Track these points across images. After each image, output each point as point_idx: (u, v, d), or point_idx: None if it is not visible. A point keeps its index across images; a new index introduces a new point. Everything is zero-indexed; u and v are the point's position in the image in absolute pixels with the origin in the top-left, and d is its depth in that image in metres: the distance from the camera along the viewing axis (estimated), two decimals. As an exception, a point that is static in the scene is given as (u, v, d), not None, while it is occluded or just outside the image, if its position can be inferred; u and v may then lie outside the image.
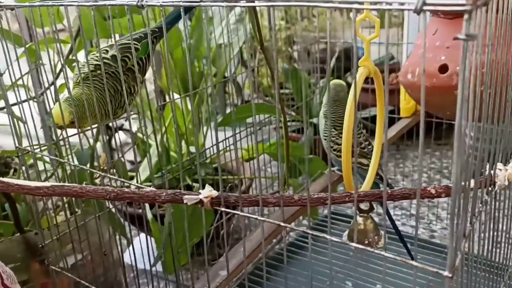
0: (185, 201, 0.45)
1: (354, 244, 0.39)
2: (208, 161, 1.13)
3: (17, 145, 0.61)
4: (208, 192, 0.45)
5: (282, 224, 0.43)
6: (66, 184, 0.41)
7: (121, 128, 1.36)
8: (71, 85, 0.60)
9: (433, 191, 0.46)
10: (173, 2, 0.41)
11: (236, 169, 1.19)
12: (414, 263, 0.36)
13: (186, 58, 0.90)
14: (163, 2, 0.41)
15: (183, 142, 1.12)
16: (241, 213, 0.45)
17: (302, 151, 1.18)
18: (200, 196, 0.45)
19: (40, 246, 0.66)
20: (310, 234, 0.41)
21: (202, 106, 1.16)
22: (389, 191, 0.46)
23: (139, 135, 1.14)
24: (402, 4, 0.32)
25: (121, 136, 1.44)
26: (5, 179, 0.39)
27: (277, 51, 1.68)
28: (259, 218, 0.44)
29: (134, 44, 0.62)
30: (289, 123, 1.62)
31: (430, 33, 0.73)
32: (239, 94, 1.75)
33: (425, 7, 0.30)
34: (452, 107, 0.77)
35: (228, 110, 1.66)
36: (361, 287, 0.98)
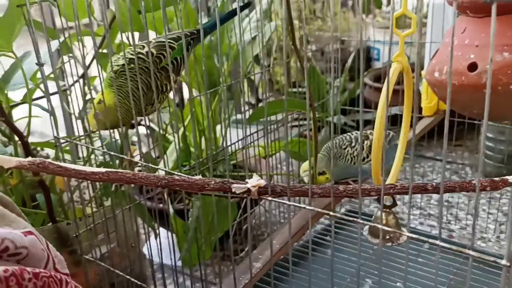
0: (233, 190, 0.45)
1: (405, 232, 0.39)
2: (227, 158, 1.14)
3: (55, 134, 0.62)
4: (256, 181, 0.45)
5: (331, 213, 0.43)
6: (120, 170, 0.41)
7: (139, 124, 1.37)
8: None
9: (476, 183, 0.47)
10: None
11: (255, 166, 1.19)
12: (470, 252, 0.36)
13: (208, 54, 0.90)
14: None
15: (203, 139, 1.12)
16: (288, 202, 0.46)
17: (318, 149, 1.19)
18: (248, 185, 0.45)
19: (74, 235, 0.66)
20: (360, 224, 0.42)
21: (220, 103, 1.17)
22: (434, 184, 0.47)
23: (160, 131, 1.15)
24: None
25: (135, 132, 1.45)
26: (62, 164, 0.39)
27: (293, 50, 1.68)
28: (308, 207, 0.44)
29: (171, 43, 0.63)
30: (305, 121, 1.62)
31: (458, 32, 0.73)
32: (253, 92, 1.75)
33: (496, -3, 0.31)
34: (480, 106, 0.77)
35: (243, 109, 1.67)
36: (382, 284, 0.98)
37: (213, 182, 0.45)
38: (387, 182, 0.74)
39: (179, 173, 0.51)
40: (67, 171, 0.40)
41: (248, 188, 0.45)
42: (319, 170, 0.75)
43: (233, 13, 0.61)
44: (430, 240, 0.39)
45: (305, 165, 0.77)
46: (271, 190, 0.46)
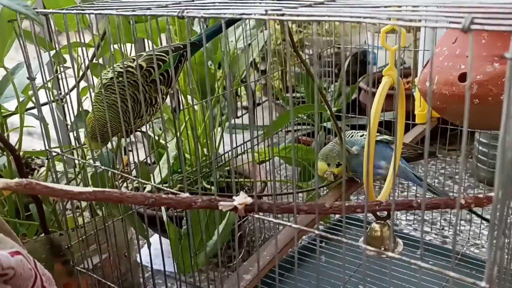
0: (220, 208, 0.46)
1: (391, 254, 0.39)
2: (222, 164, 1.14)
3: (46, 147, 0.62)
4: (242, 199, 0.46)
5: (316, 231, 0.44)
6: (107, 189, 0.42)
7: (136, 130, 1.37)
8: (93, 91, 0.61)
9: (462, 201, 0.47)
10: (214, 14, 0.42)
11: (249, 172, 1.20)
12: (451, 273, 0.37)
13: (203, 61, 0.91)
14: (204, 13, 0.42)
15: (200, 146, 1.13)
16: (274, 220, 0.46)
17: (313, 155, 1.19)
18: (235, 203, 0.46)
19: (66, 247, 0.67)
20: (345, 243, 0.42)
21: (215, 109, 1.17)
22: (419, 200, 0.47)
23: (155, 137, 1.15)
24: (449, 22, 0.33)
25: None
26: (50, 184, 0.40)
27: (289, 55, 1.69)
28: (293, 225, 0.45)
29: (162, 56, 0.63)
30: (300, 127, 1.63)
31: (449, 42, 0.74)
32: (250, 97, 1.75)
33: (472, 26, 0.31)
34: (471, 116, 0.78)
35: (239, 113, 1.67)
36: (375, 291, 0.99)
37: (200, 200, 0.46)
38: (381, 195, 0.75)
39: (167, 189, 0.52)
40: (54, 191, 0.40)
41: (235, 206, 0.46)
42: (335, 163, 0.82)
43: (219, 29, 0.62)
44: (412, 261, 0.39)
45: (322, 165, 0.82)
46: (257, 207, 0.46)
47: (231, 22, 0.65)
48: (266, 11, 0.39)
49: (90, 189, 0.41)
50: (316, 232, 0.44)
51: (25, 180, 0.39)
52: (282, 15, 0.39)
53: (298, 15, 0.38)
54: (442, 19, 0.34)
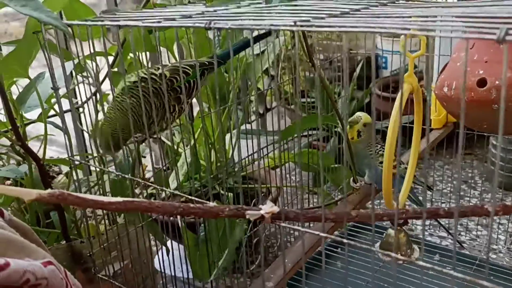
0: (247, 216, 0.46)
1: (419, 262, 0.39)
2: (237, 170, 1.14)
3: (69, 155, 0.63)
4: (269, 208, 0.46)
5: (345, 240, 0.44)
6: (136, 199, 0.42)
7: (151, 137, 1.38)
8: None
9: (490, 209, 0.47)
10: (242, 25, 0.42)
11: (265, 178, 1.20)
12: (484, 283, 0.37)
13: (218, 69, 0.91)
14: (231, 24, 0.42)
15: (214, 153, 1.13)
16: (301, 229, 0.47)
17: (328, 160, 1.19)
18: (262, 212, 0.46)
19: (88, 254, 0.67)
20: (374, 250, 0.42)
21: (230, 115, 1.18)
22: (446, 208, 0.47)
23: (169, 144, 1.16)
24: (482, 33, 0.33)
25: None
26: (81, 195, 0.40)
27: (299, 60, 1.69)
28: (321, 234, 0.45)
29: (186, 69, 0.65)
30: (313, 132, 1.63)
31: (467, 47, 0.74)
32: (261, 102, 1.76)
33: (508, 37, 0.31)
34: (490, 121, 0.77)
35: (251, 118, 1.68)
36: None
37: (227, 209, 0.46)
38: (398, 200, 0.74)
39: (190, 196, 0.52)
40: (85, 201, 0.41)
41: (262, 215, 0.46)
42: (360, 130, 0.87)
43: (247, 44, 0.62)
44: (444, 270, 0.39)
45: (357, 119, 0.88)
46: (284, 216, 0.46)
47: (258, 38, 0.65)
48: (295, 22, 0.39)
49: (120, 199, 0.42)
50: (345, 241, 0.44)
51: (57, 191, 0.39)
52: (311, 26, 0.39)
53: (327, 26, 0.38)
54: (474, 30, 0.34)
